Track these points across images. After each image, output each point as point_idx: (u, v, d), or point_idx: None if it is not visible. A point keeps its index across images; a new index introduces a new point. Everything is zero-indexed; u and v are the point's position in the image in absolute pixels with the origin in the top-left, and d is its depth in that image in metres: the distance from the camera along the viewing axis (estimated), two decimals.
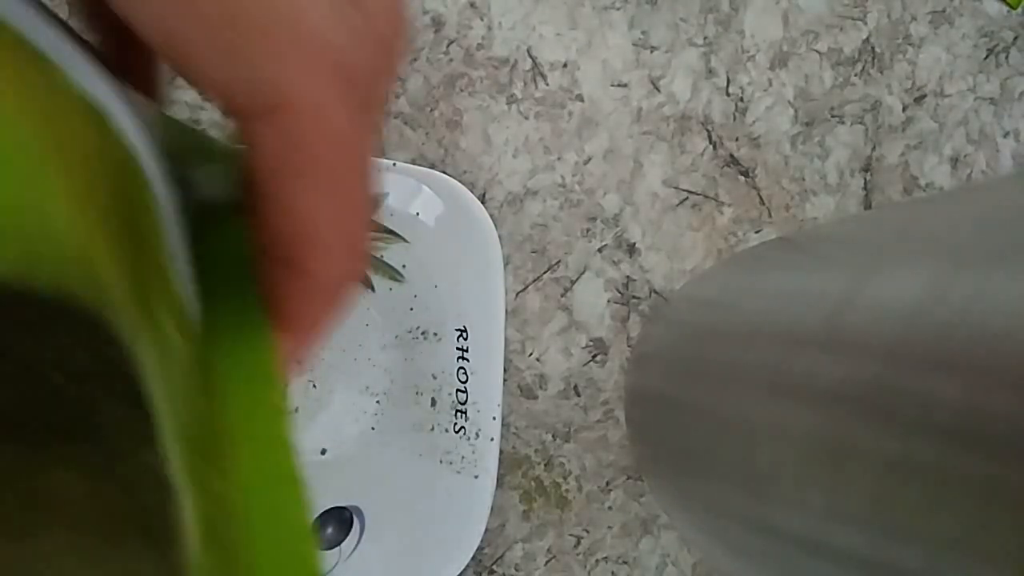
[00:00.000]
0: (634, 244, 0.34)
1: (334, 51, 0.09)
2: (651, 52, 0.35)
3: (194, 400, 0.10)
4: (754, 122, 0.35)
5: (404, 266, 0.31)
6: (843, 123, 0.36)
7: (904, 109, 0.37)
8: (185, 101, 0.31)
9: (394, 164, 0.29)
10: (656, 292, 0.34)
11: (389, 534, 0.30)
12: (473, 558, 0.30)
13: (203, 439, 0.10)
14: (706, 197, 0.35)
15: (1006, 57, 0.38)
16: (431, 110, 0.33)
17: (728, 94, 0.35)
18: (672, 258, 0.35)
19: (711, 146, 0.35)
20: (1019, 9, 0.38)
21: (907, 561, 0.13)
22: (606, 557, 0.34)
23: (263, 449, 0.11)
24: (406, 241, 0.30)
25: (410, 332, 0.32)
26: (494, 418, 0.30)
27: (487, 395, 0.30)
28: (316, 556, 0.10)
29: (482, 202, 0.32)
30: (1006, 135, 0.38)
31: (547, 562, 0.34)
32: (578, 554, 0.34)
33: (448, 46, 0.33)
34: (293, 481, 0.11)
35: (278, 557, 0.10)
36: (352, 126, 0.10)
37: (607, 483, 0.34)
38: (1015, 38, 0.38)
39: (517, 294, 0.34)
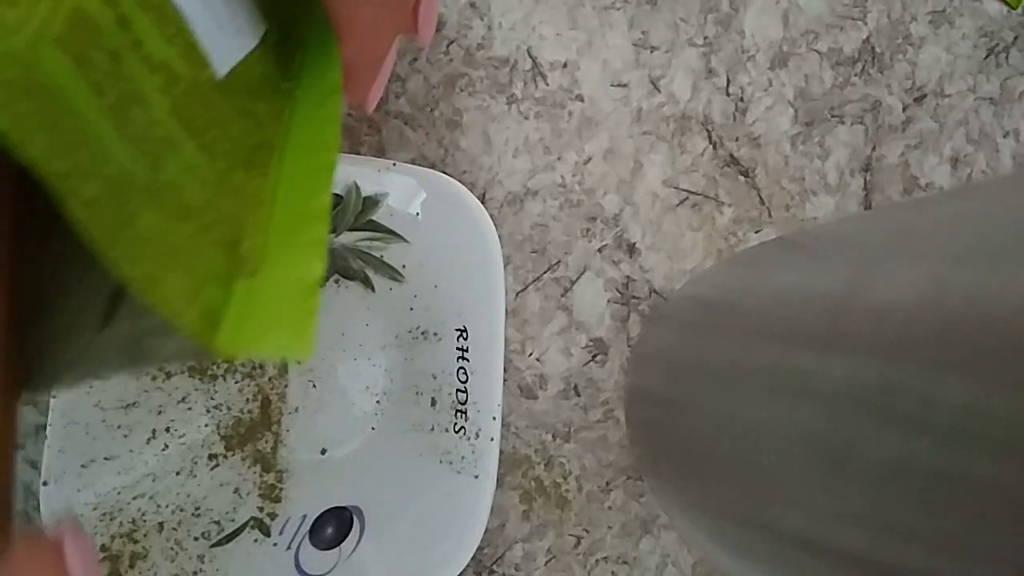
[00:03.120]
0: (634, 244, 0.34)
1: None
2: (651, 52, 0.35)
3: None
4: (754, 122, 0.35)
5: (404, 266, 0.31)
6: (843, 123, 0.36)
7: (904, 109, 0.37)
8: None
9: (394, 164, 0.29)
10: (656, 292, 0.34)
11: (389, 534, 0.30)
12: (473, 558, 0.30)
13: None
14: (706, 197, 0.35)
15: (1006, 57, 0.38)
16: (431, 110, 0.33)
17: (728, 94, 0.35)
18: (672, 258, 0.35)
19: (711, 146, 0.35)
20: (1019, 9, 0.38)
21: (907, 561, 0.13)
22: (606, 557, 0.34)
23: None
24: (406, 241, 0.30)
25: (410, 332, 0.32)
26: (494, 418, 0.30)
27: (487, 395, 0.30)
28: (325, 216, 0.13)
29: (482, 202, 0.32)
30: (1006, 135, 0.38)
31: (547, 562, 0.34)
32: (578, 554, 0.34)
33: (448, 46, 0.33)
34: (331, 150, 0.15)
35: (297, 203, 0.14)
36: None
37: (607, 483, 0.34)
38: (1015, 38, 0.38)
39: (517, 294, 0.34)
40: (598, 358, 0.34)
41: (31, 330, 0.12)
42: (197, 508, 0.30)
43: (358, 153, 0.33)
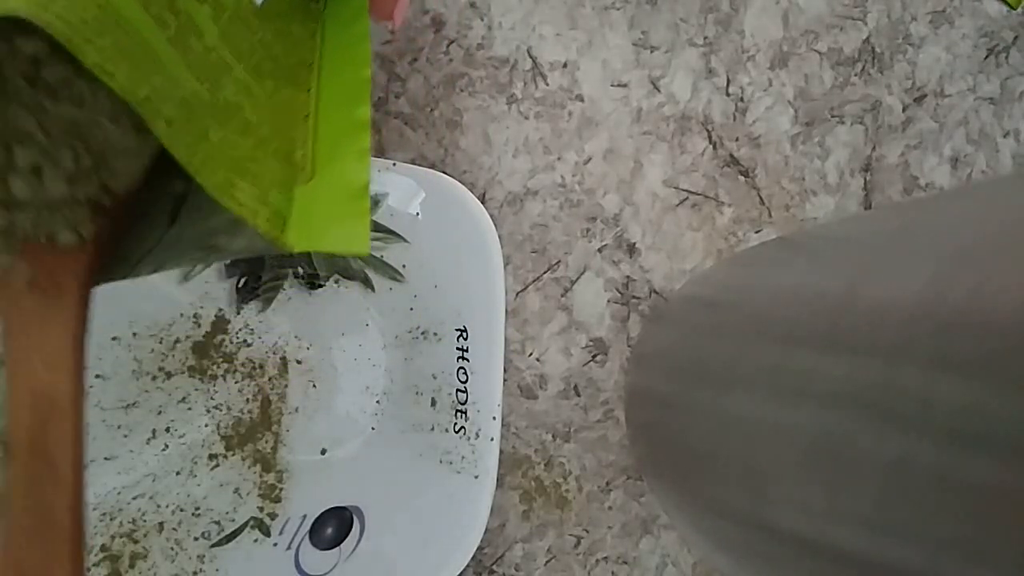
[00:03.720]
0: (634, 244, 0.34)
1: None
2: (651, 52, 0.35)
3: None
4: (754, 122, 0.35)
5: (404, 266, 0.31)
6: (843, 123, 0.36)
7: (904, 109, 0.37)
8: None
9: (394, 164, 0.29)
10: (656, 292, 0.34)
11: (389, 534, 0.30)
12: (473, 558, 0.30)
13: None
14: (706, 197, 0.35)
15: (1006, 57, 0.38)
16: (431, 110, 0.33)
17: (728, 94, 0.35)
18: (672, 258, 0.35)
19: (711, 146, 0.35)
20: (1019, 9, 0.38)
21: (907, 561, 0.13)
22: (606, 557, 0.34)
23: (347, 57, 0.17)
24: (406, 241, 0.30)
25: (410, 332, 0.32)
26: (494, 418, 0.30)
27: (487, 395, 0.30)
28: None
29: (482, 202, 0.32)
30: (1006, 135, 0.38)
31: (547, 562, 0.34)
32: (578, 554, 0.34)
33: (448, 46, 0.33)
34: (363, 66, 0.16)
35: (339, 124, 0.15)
36: None
37: (607, 483, 0.34)
38: (1015, 38, 0.38)
39: (517, 294, 0.34)
40: (598, 358, 0.34)
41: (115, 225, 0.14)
42: (197, 508, 0.30)
43: None
